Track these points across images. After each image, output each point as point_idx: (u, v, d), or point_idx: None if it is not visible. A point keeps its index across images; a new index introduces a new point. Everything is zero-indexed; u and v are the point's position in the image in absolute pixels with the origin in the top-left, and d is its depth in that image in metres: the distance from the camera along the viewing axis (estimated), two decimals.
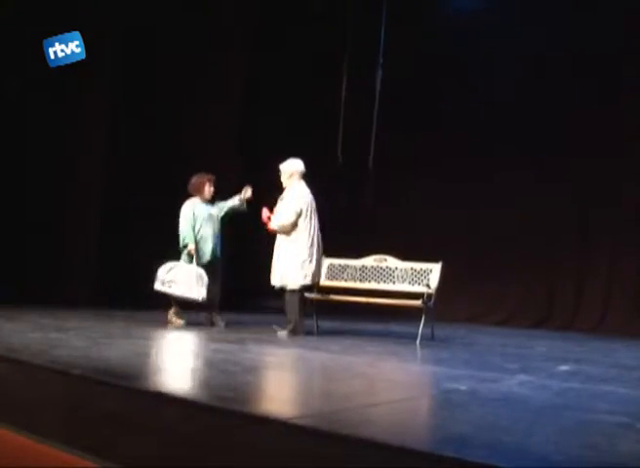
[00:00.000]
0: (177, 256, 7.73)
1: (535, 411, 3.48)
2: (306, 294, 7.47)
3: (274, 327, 7.14)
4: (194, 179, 7.87)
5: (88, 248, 10.17)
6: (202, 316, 7.75)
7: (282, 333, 6.97)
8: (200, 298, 7.38)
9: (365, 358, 5.85)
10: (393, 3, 10.76)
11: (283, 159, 7.25)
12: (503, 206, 10.25)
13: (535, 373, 5.00)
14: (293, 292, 7.03)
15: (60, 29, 6.64)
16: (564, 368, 5.46)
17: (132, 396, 3.45)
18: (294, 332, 6.96)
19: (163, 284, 7.46)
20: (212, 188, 7.84)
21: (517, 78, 10.25)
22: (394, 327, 8.40)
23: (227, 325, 7.68)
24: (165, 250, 10.12)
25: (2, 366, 4.27)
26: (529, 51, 10.11)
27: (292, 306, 7.04)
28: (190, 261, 7.55)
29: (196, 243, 7.62)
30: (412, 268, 7.41)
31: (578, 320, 9.88)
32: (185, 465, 3.01)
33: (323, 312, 7.76)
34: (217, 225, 7.81)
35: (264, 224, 7.25)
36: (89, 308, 8.84)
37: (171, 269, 7.49)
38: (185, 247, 7.62)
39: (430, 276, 7.24)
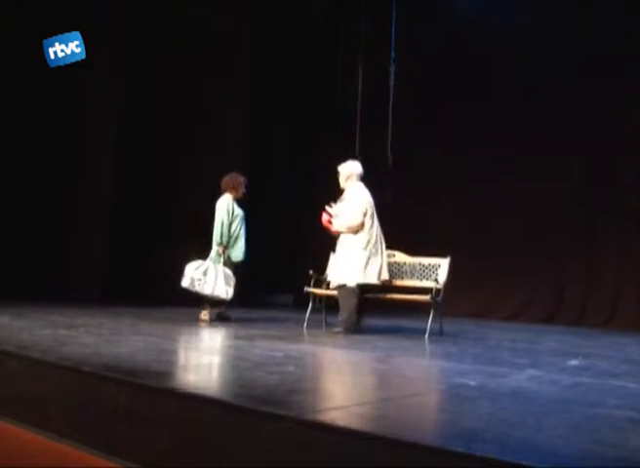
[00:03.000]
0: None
1: (544, 406, 3.47)
2: (312, 290, 7.52)
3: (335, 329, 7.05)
4: (229, 178, 7.91)
5: (97, 245, 10.22)
6: (213, 313, 7.77)
7: (338, 330, 6.93)
8: (229, 297, 7.48)
9: (374, 353, 5.85)
10: None
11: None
12: (514, 201, 10.23)
13: (544, 368, 4.98)
14: (348, 289, 6.95)
15: (60, 29, 6.66)
16: (574, 362, 5.45)
17: (141, 392, 3.46)
18: (346, 330, 6.88)
19: (192, 282, 7.46)
20: (244, 190, 7.93)
21: (528, 76, 10.21)
22: (403, 322, 8.39)
23: (236, 321, 7.72)
24: (172, 247, 10.19)
25: (12, 362, 4.29)
26: (546, 45, 10.07)
27: (345, 303, 6.96)
28: (219, 260, 7.58)
29: (229, 241, 7.70)
30: (420, 263, 7.40)
31: (588, 315, 9.85)
32: (196, 461, 3.02)
33: (331, 308, 7.77)
34: (245, 226, 7.89)
35: (326, 228, 7.19)
36: (98, 305, 8.88)
37: (199, 267, 7.50)
38: (219, 245, 7.64)
39: (439, 271, 7.24)
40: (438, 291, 7.06)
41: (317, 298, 7.70)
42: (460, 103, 10.70)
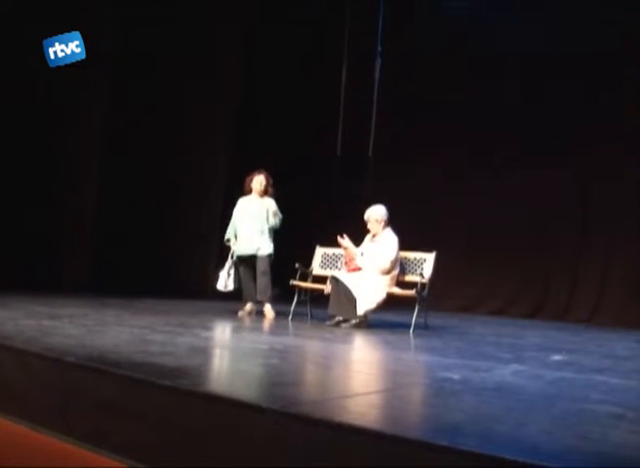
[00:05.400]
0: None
1: (528, 401, 3.49)
2: (297, 283, 7.54)
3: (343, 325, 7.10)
4: None
5: (83, 236, 10.18)
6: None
7: (354, 321, 7.01)
8: (222, 289, 7.73)
9: (358, 346, 5.85)
10: None
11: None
12: (498, 195, 10.26)
13: (528, 363, 5.01)
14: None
15: (60, 29, 6.62)
16: (557, 357, 5.48)
17: (126, 384, 3.44)
18: (359, 326, 6.98)
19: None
20: (254, 185, 7.87)
21: (517, 69, 10.22)
22: (388, 316, 8.40)
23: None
24: (161, 239, 10.14)
25: None
26: (529, 42, 10.06)
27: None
28: (231, 255, 7.83)
29: (236, 237, 7.89)
30: (405, 257, 7.42)
31: (572, 310, 9.91)
32: (180, 453, 3.02)
33: (316, 301, 7.78)
34: (261, 222, 7.82)
35: (352, 269, 7.31)
36: (83, 296, 8.83)
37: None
38: (228, 241, 7.92)
39: (424, 265, 7.26)
40: (423, 285, 7.08)
41: (302, 291, 7.71)
42: (446, 99, 10.70)
